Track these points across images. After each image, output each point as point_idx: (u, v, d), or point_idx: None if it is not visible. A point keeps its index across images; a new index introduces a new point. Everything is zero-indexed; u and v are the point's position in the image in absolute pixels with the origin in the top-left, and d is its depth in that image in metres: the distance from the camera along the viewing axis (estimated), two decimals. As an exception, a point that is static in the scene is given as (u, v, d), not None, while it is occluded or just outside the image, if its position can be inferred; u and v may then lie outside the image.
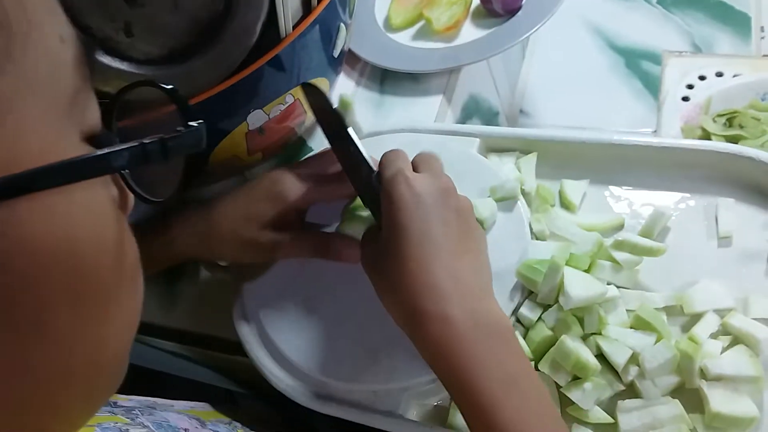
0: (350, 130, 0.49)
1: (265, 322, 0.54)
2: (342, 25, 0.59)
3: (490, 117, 0.79)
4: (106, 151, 0.22)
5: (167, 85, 0.28)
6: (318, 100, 0.53)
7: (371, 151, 0.57)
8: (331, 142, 0.53)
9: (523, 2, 0.69)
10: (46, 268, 0.21)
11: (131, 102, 0.29)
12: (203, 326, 0.62)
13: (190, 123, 0.26)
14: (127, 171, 0.27)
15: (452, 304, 0.41)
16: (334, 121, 0.51)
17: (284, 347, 0.53)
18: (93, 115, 0.24)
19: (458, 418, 0.48)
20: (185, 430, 0.46)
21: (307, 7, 0.53)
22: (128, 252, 0.25)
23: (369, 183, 0.48)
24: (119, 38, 0.46)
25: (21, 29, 0.20)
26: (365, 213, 0.53)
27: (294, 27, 0.53)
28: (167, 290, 0.64)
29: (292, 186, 0.52)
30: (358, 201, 0.53)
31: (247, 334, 0.55)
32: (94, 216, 0.23)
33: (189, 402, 0.53)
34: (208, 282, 0.64)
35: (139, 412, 0.45)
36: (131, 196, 0.28)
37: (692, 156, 0.53)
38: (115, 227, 0.24)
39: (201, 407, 0.53)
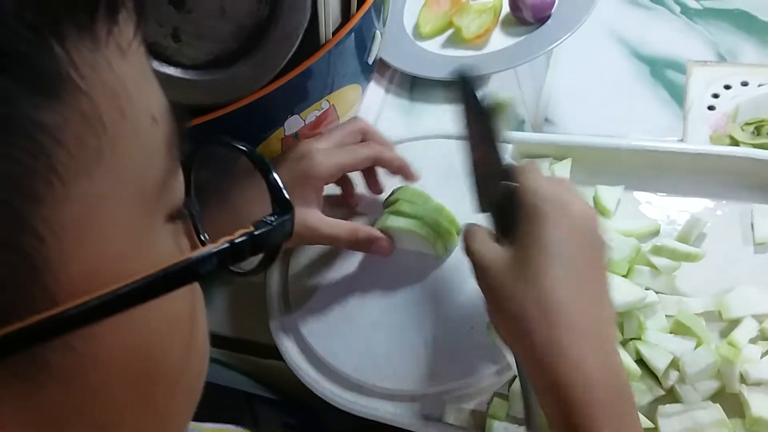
0: (495, 133, 0.46)
1: (302, 326, 0.55)
2: (377, 32, 0.60)
3: (516, 125, 0.80)
4: (194, 257, 0.20)
5: (257, 156, 0.25)
6: (469, 92, 0.48)
7: (406, 156, 0.58)
8: (467, 136, 0.49)
9: (552, 11, 0.70)
10: (119, 379, 0.19)
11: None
12: (237, 330, 0.62)
13: (281, 212, 0.23)
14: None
15: (588, 348, 0.36)
16: (478, 118, 0.47)
17: (322, 351, 0.53)
18: (179, 191, 0.22)
19: (495, 427, 0.48)
20: None
21: (346, 15, 0.54)
22: (201, 335, 0.24)
23: (500, 189, 0.44)
24: (167, 43, 0.47)
25: (113, 123, 0.17)
26: (406, 209, 0.53)
27: (333, 34, 0.53)
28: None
29: (318, 158, 0.52)
30: (399, 195, 0.54)
31: (284, 339, 0.55)
32: (173, 319, 0.22)
33: (217, 424, 0.52)
34: (243, 286, 0.64)
35: None
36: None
37: (727, 162, 0.54)
38: (191, 318, 0.23)
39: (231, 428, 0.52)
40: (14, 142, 0.15)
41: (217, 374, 0.68)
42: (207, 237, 0.26)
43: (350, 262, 0.57)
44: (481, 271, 0.42)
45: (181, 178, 0.22)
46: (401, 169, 0.56)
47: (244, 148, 0.26)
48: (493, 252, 0.41)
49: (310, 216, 0.53)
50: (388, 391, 0.50)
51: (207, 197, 0.51)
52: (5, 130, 0.15)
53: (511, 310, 0.38)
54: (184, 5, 0.46)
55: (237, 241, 0.21)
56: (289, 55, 0.51)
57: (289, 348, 0.54)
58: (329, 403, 0.52)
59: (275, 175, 0.25)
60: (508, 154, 0.59)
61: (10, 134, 0.15)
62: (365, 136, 0.57)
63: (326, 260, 0.57)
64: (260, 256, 0.24)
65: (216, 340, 0.63)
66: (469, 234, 0.44)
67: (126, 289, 0.17)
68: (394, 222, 0.53)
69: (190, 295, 0.23)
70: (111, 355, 0.19)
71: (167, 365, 0.22)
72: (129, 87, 0.18)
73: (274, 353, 0.59)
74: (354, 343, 0.53)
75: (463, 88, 0.48)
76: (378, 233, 0.53)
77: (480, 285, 0.42)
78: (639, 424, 0.37)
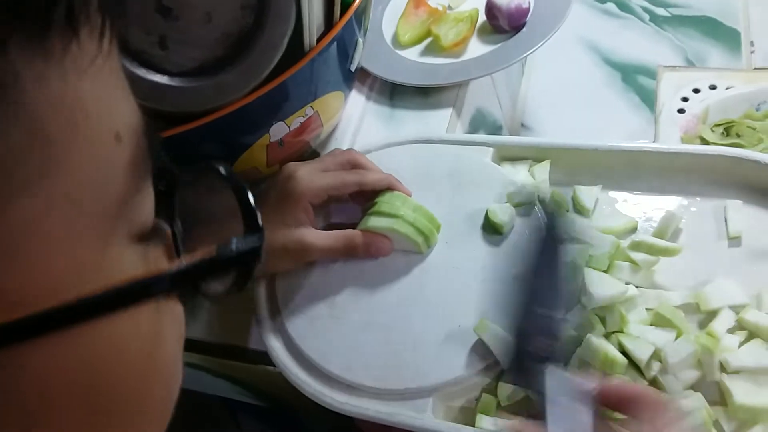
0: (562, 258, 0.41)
1: (291, 329, 0.55)
2: (359, 40, 0.61)
3: (494, 130, 0.82)
4: (149, 277, 0.19)
5: (237, 179, 0.24)
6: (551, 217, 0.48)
7: (385, 162, 0.59)
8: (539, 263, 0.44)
9: (527, 19, 0.72)
10: (63, 402, 0.18)
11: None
12: (224, 336, 0.62)
13: (252, 233, 0.22)
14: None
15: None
16: (549, 241, 0.43)
17: (311, 353, 0.54)
18: (146, 211, 0.21)
19: (485, 421, 0.49)
20: None
21: (329, 23, 0.55)
22: (166, 359, 0.22)
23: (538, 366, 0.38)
24: (154, 51, 0.47)
25: (63, 137, 0.16)
26: (385, 209, 0.54)
27: (317, 41, 0.54)
28: (187, 302, 0.64)
29: (303, 178, 0.53)
30: (378, 199, 0.55)
31: (273, 342, 0.55)
32: (121, 344, 0.20)
33: None
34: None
35: None
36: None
37: (700, 161, 0.56)
38: (153, 330, 0.21)
39: None
40: None
41: (199, 381, 0.68)
42: None
43: (336, 263, 0.58)
44: None
45: (150, 197, 0.21)
46: (390, 187, 0.56)
47: (223, 172, 0.24)
48: None
49: (305, 234, 0.53)
50: (378, 390, 0.51)
51: (199, 218, 0.52)
52: None
53: None
54: (171, 13, 0.46)
55: (196, 262, 0.20)
56: (275, 63, 0.51)
57: (277, 350, 0.55)
58: (317, 407, 0.53)
59: (251, 200, 0.23)
60: (489, 157, 0.61)
61: None
62: (355, 167, 0.57)
63: (312, 262, 0.58)
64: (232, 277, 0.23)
65: (202, 346, 0.63)
66: None
67: (60, 308, 0.16)
68: (374, 222, 0.54)
69: (153, 317, 0.21)
70: (48, 377, 0.17)
71: (118, 395, 0.20)
72: (88, 104, 0.17)
73: (262, 358, 0.59)
74: (342, 343, 0.53)
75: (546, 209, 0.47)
76: (375, 235, 0.54)
77: None
78: None
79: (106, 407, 0.19)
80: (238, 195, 0.23)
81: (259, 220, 0.22)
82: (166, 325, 0.22)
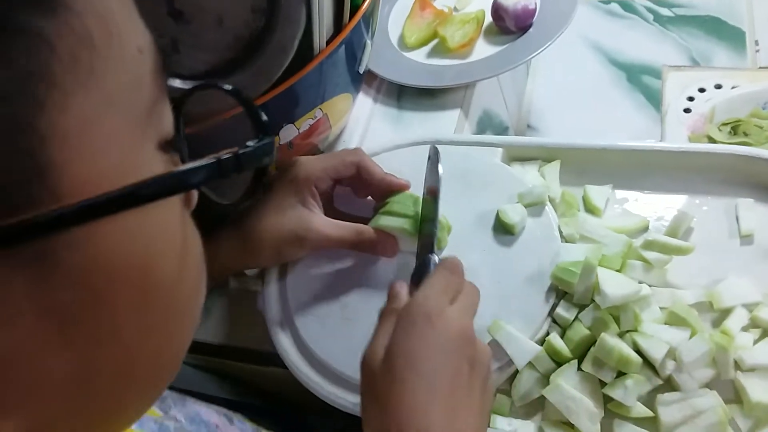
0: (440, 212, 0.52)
1: (302, 331, 0.55)
2: (367, 42, 0.61)
3: (500, 131, 0.82)
4: (184, 168, 0.22)
5: (237, 90, 0.28)
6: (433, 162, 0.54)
7: (394, 163, 0.59)
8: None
9: (534, 20, 0.72)
10: (119, 284, 0.21)
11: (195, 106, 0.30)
12: (234, 338, 0.62)
13: (263, 135, 0.25)
14: None
15: None
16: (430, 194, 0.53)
17: (323, 355, 0.53)
18: (168, 122, 0.24)
19: (499, 421, 0.49)
20: (216, 425, 0.46)
21: (338, 25, 0.55)
22: (193, 256, 0.25)
23: (423, 262, 0.49)
24: (166, 54, 0.47)
25: (103, 44, 0.20)
26: (397, 209, 0.54)
27: (326, 44, 0.55)
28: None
29: (306, 162, 0.53)
30: (390, 199, 0.55)
31: (285, 344, 0.55)
32: (166, 230, 0.23)
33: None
34: (238, 294, 0.64)
35: (171, 403, 0.45)
36: (195, 193, 0.28)
37: (711, 160, 0.56)
38: (182, 235, 0.24)
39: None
40: (12, 44, 0.17)
41: (203, 383, 0.68)
42: None
43: (347, 265, 0.57)
44: (362, 367, 0.44)
45: (169, 110, 0.24)
46: (384, 180, 0.55)
47: (229, 89, 0.28)
48: (378, 345, 0.43)
49: (315, 219, 0.53)
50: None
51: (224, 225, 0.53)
52: (3, 33, 0.17)
53: (375, 418, 0.41)
54: (183, 16, 0.46)
55: (223, 157, 0.22)
56: (285, 65, 0.51)
57: (289, 352, 0.55)
58: (327, 408, 0.53)
59: (256, 106, 0.27)
60: (498, 157, 0.61)
61: (8, 37, 0.17)
62: (359, 170, 0.56)
63: (323, 263, 0.58)
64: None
65: (209, 349, 0.63)
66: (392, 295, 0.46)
67: (121, 192, 0.19)
68: (385, 221, 0.54)
69: (181, 216, 0.25)
70: (110, 258, 0.20)
71: (161, 275, 0.23)
72: (117, 17, 0.20)
73: (271, 359, 0.59)
74: (355, 344, 0.53)
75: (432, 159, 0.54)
76: (383, 233, 0.54)
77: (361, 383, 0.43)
78: None
79: (152, 290, 0.22)
80: (246, 105, 0.27)
81: (266, 123, 0.26)
82: (189, 235, 0.25)
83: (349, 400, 0.52)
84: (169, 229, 0.23)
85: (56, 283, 0.19)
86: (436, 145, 0.56)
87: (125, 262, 0.21)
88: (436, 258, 0.49)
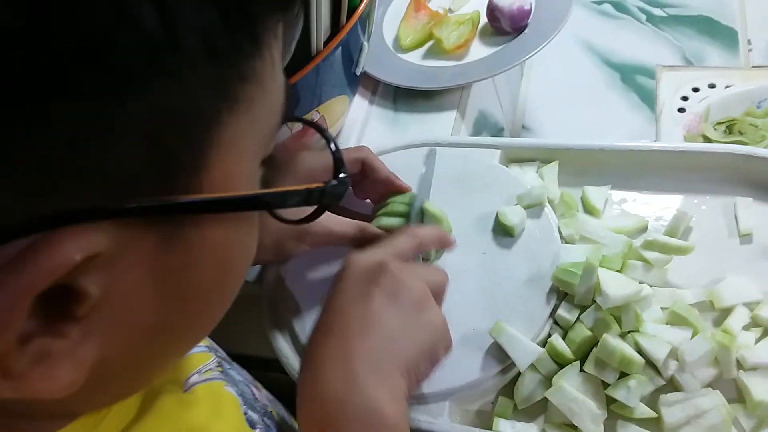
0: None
1: (301, 335, 0.54)
2: (364, 44, 0.60)
3: (496, 132, 0.81)
4: (286, 189, 0.26)
5: (326, 131, 0.34)
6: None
7: (393, 165, 0.59)
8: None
9: (529, 20, 0.72)
10: (208, 265, 0.25)
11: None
12: (234, 345, 0.62)
13: (342, 175, 0.30)
14: None
15: (329, 386, 0.39)
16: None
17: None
18: (273, 144, 0.28)
19: (502, 424, 0.49)
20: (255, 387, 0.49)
21: (335, 27, 0.55)
22: (250, 262, 0.30)
23: None
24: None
25: (267, 83, 0.24)
26: (398, 209, 0.54)
27: (323, 45, 0.54)
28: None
29: (310, 160, 0.53)
30: (390, 199, 0.55)
31: (286, 350, 0.55)
32: (249, 232, 0.28)
33: None
34: (237, 300, 0.63)
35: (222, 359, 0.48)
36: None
37: (709, 159, 0.56)
38: (254, 246, 0.29)
39: None
40: (222, 74, 0.21)
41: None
42: None
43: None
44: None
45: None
46: (388, 180, 0.56)
47: (332, 141, 0.33)
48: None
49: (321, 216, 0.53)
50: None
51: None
52: (221, 66, 0.21)
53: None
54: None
55: (313, 188, 0.27)
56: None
57: (290, 358, 0.54)
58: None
59: (339, 149, 0.32)
60: (497, 159, 0.61)
61: (223, 69, 0.21)
62: (364, 167, 0.56)
63: (322, 267, 0.57)
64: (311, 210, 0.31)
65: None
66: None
67: (244, 197, 0.24)
68: (387, 221, 0.54)
69: (257, 228, 0.29)
70: (215, 242, 0.25)
71: (236, 262, 0.27)
72: (276, 62, 0.25)
73: (271, 365, 0.58)
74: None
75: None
76: (378, 234, 0.54)
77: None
78: None
79: (225, 277, 0.27)
80: (331, 144, 0.32)
81: (346, 165, 0.31)
82: (253, 243, 0.29)
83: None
84: (250, 236, 0.28)
85: (174, 251, 0.23)
86: (434, 148, 0.56)
87: (222, 248, 0.25)
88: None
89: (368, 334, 0.41)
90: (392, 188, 0.55)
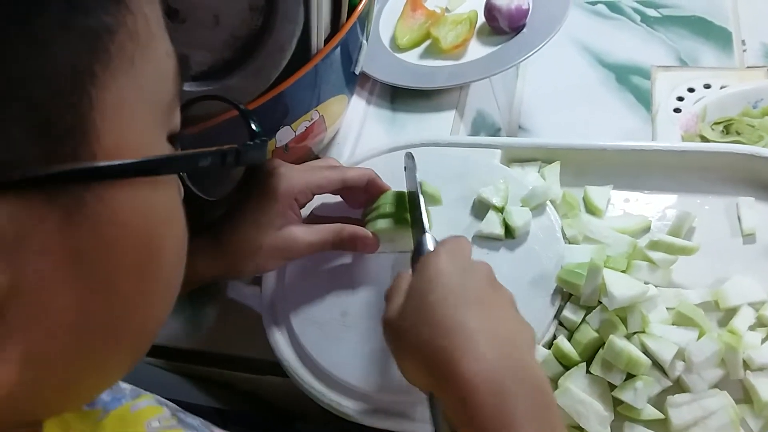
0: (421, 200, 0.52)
1: (303, 339, 0.54)
2: (363, 42, 0.60)
3: (493, 132, 0.81)
4: (195, 151, 0.26)
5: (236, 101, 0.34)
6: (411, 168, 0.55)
7: (393, 165, 0.58)
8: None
9: (527, 20, 0.72)
10: (127, 241, 0.24)
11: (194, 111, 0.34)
12: (230, 347, 0.61)
13: (260, 137, 0.30)
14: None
15: (486, 344, 0.38)
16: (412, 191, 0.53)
17: (325, 363, 0.52)
18: (177, 119, 0.28)
19: None
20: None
21: (335, 25, 0.54)
22: (182, 239, 0.29)
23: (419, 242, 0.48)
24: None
25: (144, 41, 0.23)
26: (390, 210, 0.54)
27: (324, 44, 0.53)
28: (193, 314, 0.63)
29: (286, 176, 0.52)
30: (379, 201, 0.54)
31: (286, 353, 0.54)
32: (168, 207, 0.27)
33: None
34: (233, 303, 0.63)
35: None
36: (181, 191, 0.31)
37: (711, 159, 0.56)
38: (178, 217, 0.28)
39: None
40: (85, 25, 0.21)
41: (192, 393, 0.66)
42: None
43: (346, 270, 0.56)
44: (385, 330, 0.44)
45: (179, 110, 0.28)
46: (372, 183, 0.55)
47: (240, 105, 0.34)
48: (394, 306, 0.44)
49: (295, 231, 0.52)
50: (396, 399, 0.50)
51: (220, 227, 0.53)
52: (85, 17, 0.21)
53: (414, 356, 0.40)
54: (178, 15, 0.45)
55: (225, 149, 0.27)
56: (283, 65, 0.50)
57: (290, 361, 0.53)
58: (328, 416, 0.51)
59: (252, 113, 0.34)
60: (497, 159, 0.60)
61: (82, 18, 0.21)
62: (344, 185, 0.55)
63: (321, 270, 0.57)
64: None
65: (206, 357, 0.61)
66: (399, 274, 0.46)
67: (145, 161, 0.24)
68: (381, 225, 0.53)
69: (178, 199, 0.28)
70: (126, 217, 0.24)
71: (160, 244, 0.26)
72: (154, 22, 0.24)
73: (269, 368, 0.57)
74: (357, 351, 0.52)
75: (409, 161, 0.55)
76: (362, 230, 0.53)
77: (389, 344, 0.44)
78: (556, 417, 0.38)
79: (150, 261, 0.26)
80: (242, 112, 0.34)
81: (256, 127, 0.33)
82: (181, 220, 0.28)
83: (351, 408, 0.51)
84: (170, 207, 0.27)
85: (81, 228, 0.22)
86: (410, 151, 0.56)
87: (136, 223, 0.24)
88: (428, 236, 0.48)
89: (496, 308, 0.41)
90: (377, 192, 0.55)
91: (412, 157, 0.55)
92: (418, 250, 0.47)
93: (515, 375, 0.37)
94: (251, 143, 0.29)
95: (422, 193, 0.53)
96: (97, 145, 0.22)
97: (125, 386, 0.36)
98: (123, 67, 0.22)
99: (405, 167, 0.55)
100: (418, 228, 0.51)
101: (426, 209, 0.52)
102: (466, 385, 0.36)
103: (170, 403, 0.44)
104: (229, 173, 0.47)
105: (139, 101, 0.24)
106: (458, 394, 0.37)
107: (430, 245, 0.47)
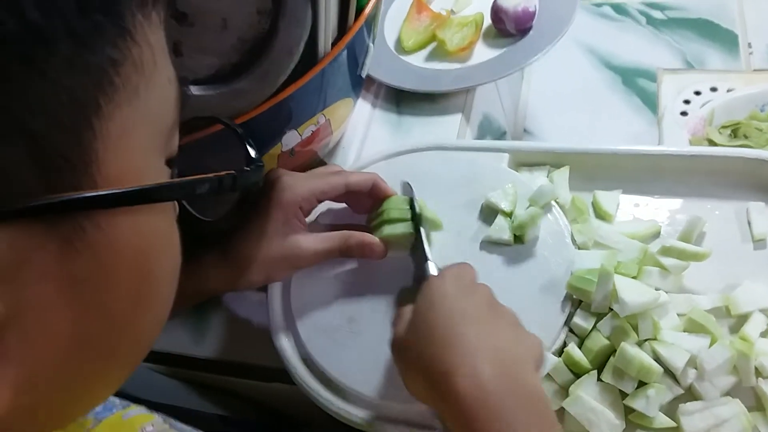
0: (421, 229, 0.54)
1: (310, 346, 0.53)
2: (370, 45, 0.59)
3: (499, 136, 0.81)
4: (193, 179, 0.26)
5: (235, 124, 0.35)
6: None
7: (399, 170, 0.57)
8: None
9: (534, 22, 0.71)
10: (124, 265, 0.24)
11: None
12: (235, 354, 0.60)
13: (257, 162, 0.30)
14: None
15: (483, 360, 0.39)
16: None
17: (333, 370, 0.52)
18: (176, 143, 0.28)
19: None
20: None
21: (342, 28, 0.54)
22: (177, 260, 0.29)
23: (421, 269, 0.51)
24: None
25: (149, 72, 0.24)
26: (396, 215, 0.53)
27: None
28: (199, 321, 0.62)
29: (290, 185, 0.52)
30: (384, 207, 0.54)
31: (293, 360, 0.53)
32: (165, 231, 0.27)
33: None
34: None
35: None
36: (176, 209, 0.31)
37: (721, 163, 0.55)
38: (173, 239, 0.28)
39: None
40: (93, 63, 0.21)
41: (197, 401, 0.66)
42: None
43: (354, 277, 0.56)
44: (393, 351, 0.46)
45: (177, 135, 0.28)
46: (376, 187, 0.55)
47: (238, 129, 0.35)
48: (400, 328, 0.45)
49: (302, 240, 0.52)
50: (404, 408, 0.49)
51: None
52: (92, 54, 0.21)
53: (415, 363, 0.42)
54: (186, 19, 0.44)
55: (222, 175, 0.27)
56: (291, 69, 0.50)
57: (298, 369, 0.53)
58: (335, 423, 0.51)
59: (248, 137, 0.34)
60: (505, 163, 0.60)
61: (90, 54, 0.21)
62: (348, 189, 0.55)
63: (328, 277, 0.56)
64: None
65: (213, 365, 0.61)
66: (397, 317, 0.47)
67: (144, 189, 0.24)
68: (387, 231, 0.53)
69: (173, 223, 0.28)
70: (123, 243, 0.24)
71: (156, 266, 0.26)
72: (157, 51, 0.24)
73: (276, 375, 0.57)
74: (365, 359, 0.52)
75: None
76: (369, 237, 0.53)
77: (397, 365, 0.46)
78: (551, 421, 0.38)
79: (146, 282, 0.26)
80: (240, 136, 0.34)
81: (254, 154, 0.33)
82: (176, 242, 0.28)
83: (358, 416, 0.50)
84: (167, 231, 0.27)
85: (80, 255, 0.22)
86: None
87: (134, 247, 0.25)
88: (431, 264, 0.50)
89: (497, 325, 0.43)
90: (382, 197, 0.55)
91: (411, 186, 0.56)
92: (421, 277, 0.49)
93: (514, 391, 0.38)
94: (248, 168, 0.30)
95: (423, 219, 0.54)
96: (99, 174, 0.22)
97: (114, 399, 0.37)
98: (128, 97, 0.23)
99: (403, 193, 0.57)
100: (419, 256, 0.52)
101: (427, 235, 0.54)
102: (464, 400, 0.37)
103: (160, 412, 0.44)
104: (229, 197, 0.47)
105: (142, 129, 0.24)
106: (455, 408, 0.38)
107: (433, 273, 0.49)
